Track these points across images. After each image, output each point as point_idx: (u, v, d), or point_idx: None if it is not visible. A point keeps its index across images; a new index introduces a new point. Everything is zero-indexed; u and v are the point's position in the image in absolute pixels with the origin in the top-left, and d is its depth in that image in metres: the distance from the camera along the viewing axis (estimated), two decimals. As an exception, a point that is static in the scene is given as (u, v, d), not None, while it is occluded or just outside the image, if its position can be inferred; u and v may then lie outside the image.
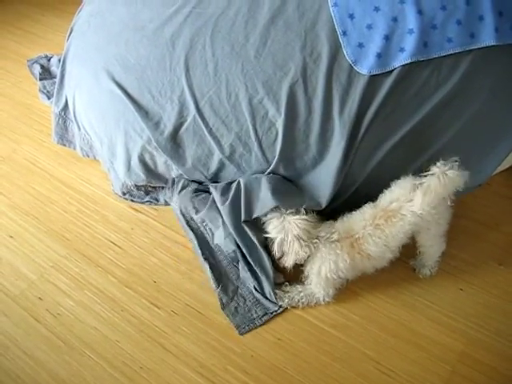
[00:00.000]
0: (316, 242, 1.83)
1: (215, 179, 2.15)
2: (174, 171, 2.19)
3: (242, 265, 2.02)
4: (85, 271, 2.13)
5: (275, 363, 1.82)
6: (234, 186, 2.07)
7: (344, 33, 1.92)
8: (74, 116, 2.44)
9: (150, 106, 2.10)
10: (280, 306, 1.95)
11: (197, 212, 2.16)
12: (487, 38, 1.90)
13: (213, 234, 2.14)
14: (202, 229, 2.20)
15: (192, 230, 2.20)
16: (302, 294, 1.95)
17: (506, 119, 2.04)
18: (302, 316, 1.94)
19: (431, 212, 1.78)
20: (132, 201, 2.36)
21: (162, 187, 2.32)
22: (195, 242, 2.15)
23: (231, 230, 2.02)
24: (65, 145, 2.57)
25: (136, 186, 2.31)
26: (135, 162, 2.21)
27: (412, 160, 2.02)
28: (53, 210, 2.38)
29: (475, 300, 1.97)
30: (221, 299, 1.99)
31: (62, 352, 1.88)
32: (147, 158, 2.20)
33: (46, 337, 1.93)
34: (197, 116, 2.04)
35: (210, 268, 2.06)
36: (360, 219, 1.84)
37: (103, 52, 2.25)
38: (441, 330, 1.88)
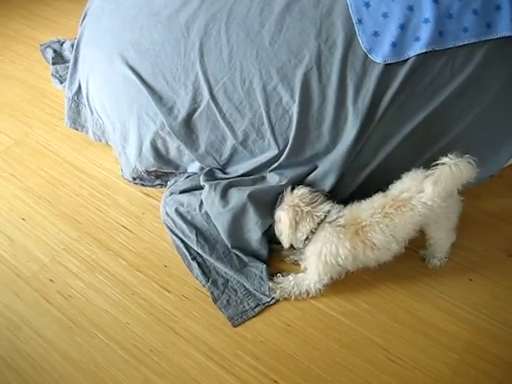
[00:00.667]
0: (318, 216, 1.84)
1: (227, 165, 2.15)
2: (186, 157, 2.20)
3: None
4: (96, 254, 2.14)
5: (285, 349, 1.84)
6: (237, 194, 2.02)
7: (359, 21, 1.92)
8: (87, 100, 2.45)
9: (164, 91, 2.11)
10: (273, 298, 1.96)
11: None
12: (504, 28, 1.89)
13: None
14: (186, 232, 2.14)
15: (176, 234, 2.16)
16: (292, 283, 1.95)
17: (519, 110, 2.04)
18: (311, 303, 1.95)
19: (441, 205, 1.77)
20: (142, 185, 2.37)
21: (173, 173, 2.33)
22: (181, 245, 2.12)
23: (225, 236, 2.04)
24: (77, 129, 2.58)
25: (147, 171, 2.31)
26: (147, 147, 2.22)
27: (424, 150, 2.03)
28: (64, 193, 2.39)
29: (484, 290, 1.97)
30: (212, 293, 1.98)
31: (74, 333, 1.90)
32: (159, 143, 2.20)
33: (57, 318, 1.95)
34: (211, 102, 2.04)
35: (199, 266, 2.05)
36: (369, 207, 1.83)
37: (118, 37, 2.26)
38: (449, 320, 1.89)
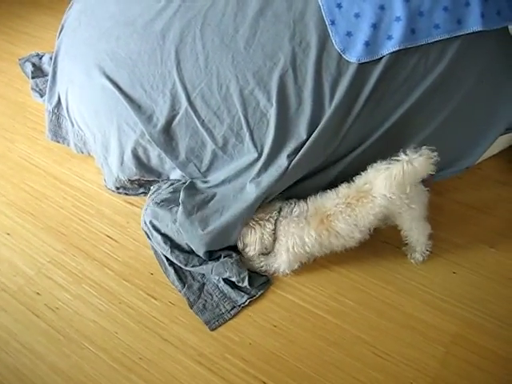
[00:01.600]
0: (271, 217, 1.93)
1: (208, 172, 2.14)
2: (168, 164, 2.20)
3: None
4: (82, 265, 2.14)
5: (272, 350, 1.85)
6: (218, 218, 2.02)
7: (332, 22, 1.94)
8: (67, 112, 2.45)
9: (143, 100, 2.12)
10: (248, 299, 1.97)
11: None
12: (474, 23, 1.93)
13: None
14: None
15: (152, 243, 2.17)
16: (262, 263, 2.03)
17: (494, 103, 2.07)
18: (297, 303, 1.96)
19: (401, 196, 1.82)
20: (126, 194, 2.38)
21: (156, 180, 2.33)
22: (158, 251, 2.13)
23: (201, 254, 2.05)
24: (59, 141, 2.58)
25: (129, 180, 2.32)
26: (128, 156, 2.22)
27: (400, 147, 2.04)
28: (48, 206, 2.39)
29: (468, 282, 2.00)
30: (188, 299, 1.99)
31: (62, 345, 1.90)
32: (140, 152, 2.21)
33: (45, 331, 1.95)
34: (189, 108, 2.06)
35: (175, 272, 2.06)
36: (333, 197, 1.90)
37: (94, 48, 2.27)
38: (434, 313, 1.91)
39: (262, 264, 2.03)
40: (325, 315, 1.92)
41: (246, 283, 1.99)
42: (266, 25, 1.99)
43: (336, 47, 1.94)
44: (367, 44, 1.92)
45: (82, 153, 2.53)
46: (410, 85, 1.98)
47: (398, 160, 1.76)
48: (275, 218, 1.94)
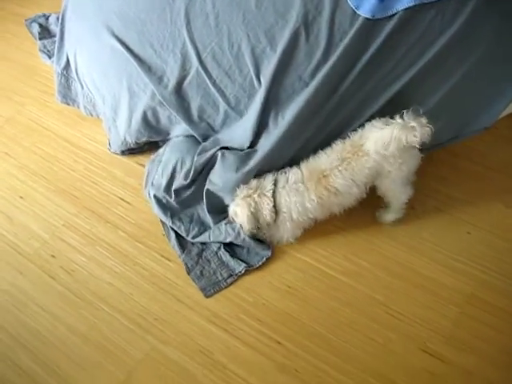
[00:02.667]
0: (268, 191, 1.90)
1: (221, 130, 2.13)
2: (177, 124, 2.18)
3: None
4: (95, 228, 2.16)
5: (287, 310, 1.86)
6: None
7: (346, -23, 1.88)
8: (77, 74, 2.42)
9: (153, 61, 2.08)
10: (245, 267, 1.98)
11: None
12: (494, -22, 1.86)
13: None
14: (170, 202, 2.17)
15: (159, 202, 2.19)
16: (266, 235, 2.04)
17: (512, 60, 2.01)
18: (311, 264, 1.97)
19: (394, 155, 1.80)
20: (131, 153, 2.39)
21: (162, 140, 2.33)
22: (161, 214, 2.14)
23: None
24: (69, 104, 2.56)
25: (136, 142, 2.30)
26: (137, 119, 2.20)
27: (416, 108, 2.01)
28: (60, 169, 2.39)
29: (483, 243, 1.98)
30: (186, 264, 2.01)
31: (79, 307, 1.93)
32: (149, 114, 2.18)
33: (61, 293, 1.98)
34: (200, 68, 2.02)
35: (176, 237, 2.08)
36: (328, 155, 1.88)
37: (102, 7, 2.21)
38: (448, 273, 1.91)
39: (264, 236, 2.03)
40: (339, 276, 1.93)
41: (244, 240, 2.01)
42: (278, -19, 1.93)
43: (350, 3, 1.88)
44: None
45: (92, 115, 2.51)
46: (426, 42, 1.91)
47: (393, 122, 1.76)
48: (271, 191, 1.90)
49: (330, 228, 2.05)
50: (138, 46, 2.10)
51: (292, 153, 2.02)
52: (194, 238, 2.07)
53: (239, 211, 1.91)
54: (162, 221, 2.15)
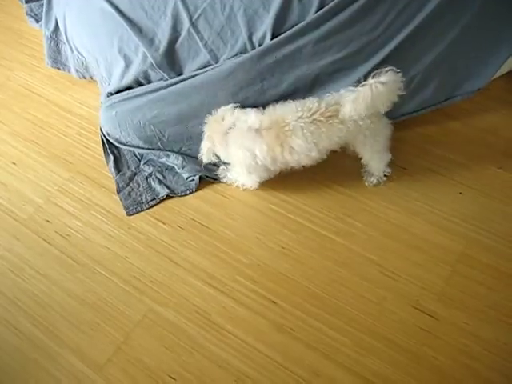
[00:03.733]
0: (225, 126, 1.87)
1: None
2: None
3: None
4: (89, 192, 2.16)
5: (282, 271, 1.88)
6: None
7: None
8: (66, 37, 2.38)
9: (144, 22, 2.05)
10: (167, 193, 2.10)
11: None
12: None
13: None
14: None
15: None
16: (221, 174, 2.09)
17: (506, 21, 2.00)
18: (305, 225, 1.99)
19: (366, 122, 1.77)
20: None
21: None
22: (104, 140, 2.25)
23: None
24: (59, 68, 2.53)
25: None
26: (128, 81, 2.18)
27: (410, 65, 2.00)
28: (53, 134, 2.38)
29: (474, 203, 2.01)
30: (117, 184, 2.15)
31: (75, 270, 1.94)
32: (141, 77, 2.16)
33: (57, 257, 1.98)
34: (191, 29, 2.00)
35: (114, 160, 2.20)
36: (297, 109, 1.79)
37: (91, -33, 2.17)
38: (441, 233, 1.93)
39: (221, 174, 2.09)
40: (332, 236, 1.95)
41: (183, 170, 2.11)
42: None
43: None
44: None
45: (85, 78, 2.49)
46: (419, 2, 1.90)
47: (364, 84, 1.69)
48: (228, 127, 1.87)
49: (322, 188, 2.07)
50: (129, 8, 2.07)
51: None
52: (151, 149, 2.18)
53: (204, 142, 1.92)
54: (103, 143, 2.25)
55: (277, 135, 1.78)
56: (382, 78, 1.66)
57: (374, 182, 2.04)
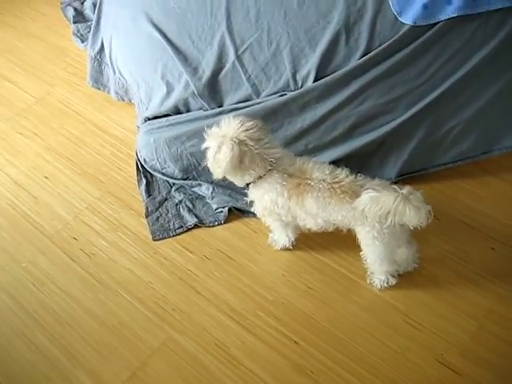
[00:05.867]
0: (270, 162, 1.71)
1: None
2: None
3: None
4: (118, 213, 2.16)
5: (305, 310, 1.85)
6: None
7: (391, -18, 1.88)
8: (110, 59, 2.43)
9: (190, 51, 2.09)
10: (196, 222, 2.07)
11: None
12: (539, -8, 1.85)
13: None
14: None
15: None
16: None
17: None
18: (333, 266, 1.96)
19: (375, 224, 1.66)
20: None
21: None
22: (138, 164, 2.26)
23: None
24: (99, 88, 2.58)
25: None
26: (168, 107, 2.21)
27: (448, 119, 2.01)
28: (87, 152, 2.40)
29: (506, 259, 1.96)
30: (147, 208, 2.14)
31: (97, 291, 1.93)
32: (180, 104, 2.19)
33: (81, 275, 1.98)
34: (236, 62, 2.03)
35: (146, 184, 2.20)
36: (324, 172, 1.71)
37: (142, -5, 2.23)
38: (469, 287, 1.89)
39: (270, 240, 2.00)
40: (359, 281, 1.92)
41: (212, 201, 2.10)
42: (321, -19, 1.94)
43: (392, 9, 1.88)
44: (425, 7, 1.85)
45: (123, 100, 2.52)
46: (465, 54, 1.92)
47: (396, 190, 1.56)
48: (271, 165, 1.72)
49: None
50: (176, 36, 2.11)
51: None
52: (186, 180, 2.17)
53: (226, 151, 1.65)
54: (137, 167, 2.25)
55: (298, 184, 1.72)
56: (414, 200, 1.54)
57: (378, 285, 1.88)
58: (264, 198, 1.78)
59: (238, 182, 1.78)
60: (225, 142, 1.64)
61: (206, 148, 1.70)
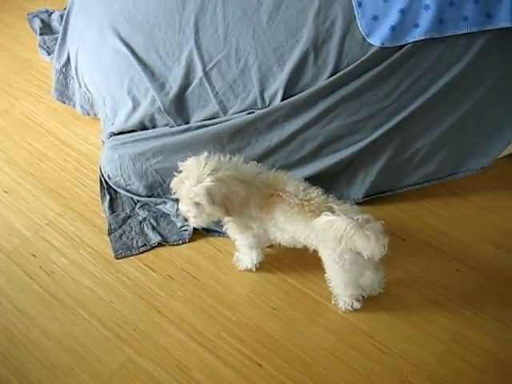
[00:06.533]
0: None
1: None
2: None
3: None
4: (80, 230, 2.10)
5: (270, 332, 1.82)
6: None
7: (359, 4, 1.89)
8: (76, 73, 2.39)
9: (157, 67, 2.06)
10: (160, 241, 2.03)
11: None
12: (503, 19, 1.88)
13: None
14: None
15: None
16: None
17: (516, 103, 2.03)
18: (299, 288, 1.93)
19: (339, 251, 1.62)
20: None
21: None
22: (102, 179, 2.21)
23: None
24: (64, 102, 2.52)
25: None
26: (133, 122, 2.17)
27: (414, 140, 2.02)
28: (49, 167, 2.34)
29: (471, 281, 1.97)
30: (110, 225, 2.09)
31: (55, 309, 1.87)
32: (146, 120, 2.15)
33: (38, 294, 1.91)
34: (203, 79, 2.00)
35: (110, 199, 2.15)
36: (298, 188, 1.68)
37: (110, 8, 2.20)
38: (436, 309, 1.88)
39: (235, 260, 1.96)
40: (325, 302, 1.89)
41: (177, 219, 2.06)
42: (291, 0, 1.93)
43: (361, 30, 1.89)
44: (393, 29, 1.86)
45: (89, 114, 2.47)
46: (432, 76, 1.94)
47: (352, 217, 1.54)
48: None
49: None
50: (144, 51, 2.08)
51: None
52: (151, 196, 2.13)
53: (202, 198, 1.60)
54: (101, 183, 2.20)
55: (270, 195, 1.69)
56: (370, 229, 1.51)
57: (342, 308, 1.85)
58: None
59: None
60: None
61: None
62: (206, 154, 1.62)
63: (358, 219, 1.53)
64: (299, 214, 1.66)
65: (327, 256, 1.69)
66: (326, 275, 1.79)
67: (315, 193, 1.68)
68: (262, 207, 1.71)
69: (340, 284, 1.77)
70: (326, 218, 1.56)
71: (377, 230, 1.53)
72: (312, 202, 1.65)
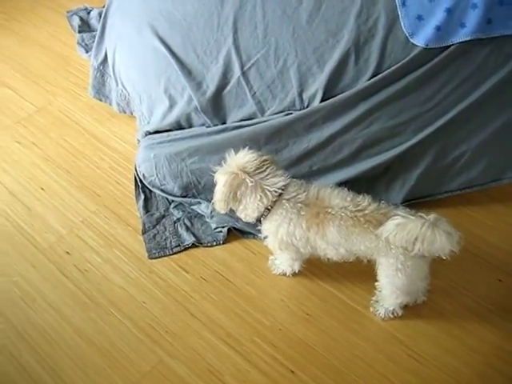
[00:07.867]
0: (272, 192, 1.62)
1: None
2: None
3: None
4: (114, 229, 2.10)
5: (303, 338, 1.78)
6: None
7: (403, 3, 1.83)
8: (113, 70, 2.38)
9: (194, 65, 2.04)
10: (193, 242, 2.01)
11: None
12: (557, 19, 1.80)
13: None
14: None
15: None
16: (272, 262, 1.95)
17: None
18: (334, 294, 1.89)
19: (399, 255, 1.59)
20: None
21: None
22: (137, 178, 2.20)
23: None
24: (101, 99, 2.53)
25: None
26: (170, 121, 2.16)
27: (456, 145, 1.96)
28: (85, 165, 2.34)
29: (514, 292, 1.90)
30: (144, 224, 2.08)
31: (88, 309, 1.86)
32: (183, 119, 2.14)
33: (72, 292, 1.91)
34: (241, 78, 1.98)
35: (145, 199, 2.14)
36: (345, 199, 1.64)
37: (148, 6, 2.18)
38: (476, 320, 1.82)
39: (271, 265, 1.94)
40: (361, 309, 1.85)
41: (212, 220, 2.03)
42: (332, -1, 1.89)
43: (404, 30, 1.83)
44: (438, 29, 1.80)
45: (125, 112, 2.47)
46: (477, 79, 1.87)
47: (423, 217, 1.51)
48: (276, 196, 1.63)
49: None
50: (181, 50, 2.06)
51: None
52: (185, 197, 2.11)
53: (221, 180, 1.62)
54: (135, 182, 2.19)
55: (317, 214, 1.64)
56: (443, 225, 1.49)
57: (382, 314, 1.81)
58: (279, 231, 1.69)
59: (245, 215, 1.68)
60: (222, 173, 1.63)
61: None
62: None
63: (429, 218, 1.49)
64: (355, 227, 1.60)
65: (389, 265, 1.64)
66: (376, 284, 1.75)
67: (365, 201, 1.62)
68: (309, 227, 1.65)
69: (394, 292, 1.72)
70: (394, 223, 1.51)
71: (448, 227, 1.49)
72: (365, 211, 1.60)
